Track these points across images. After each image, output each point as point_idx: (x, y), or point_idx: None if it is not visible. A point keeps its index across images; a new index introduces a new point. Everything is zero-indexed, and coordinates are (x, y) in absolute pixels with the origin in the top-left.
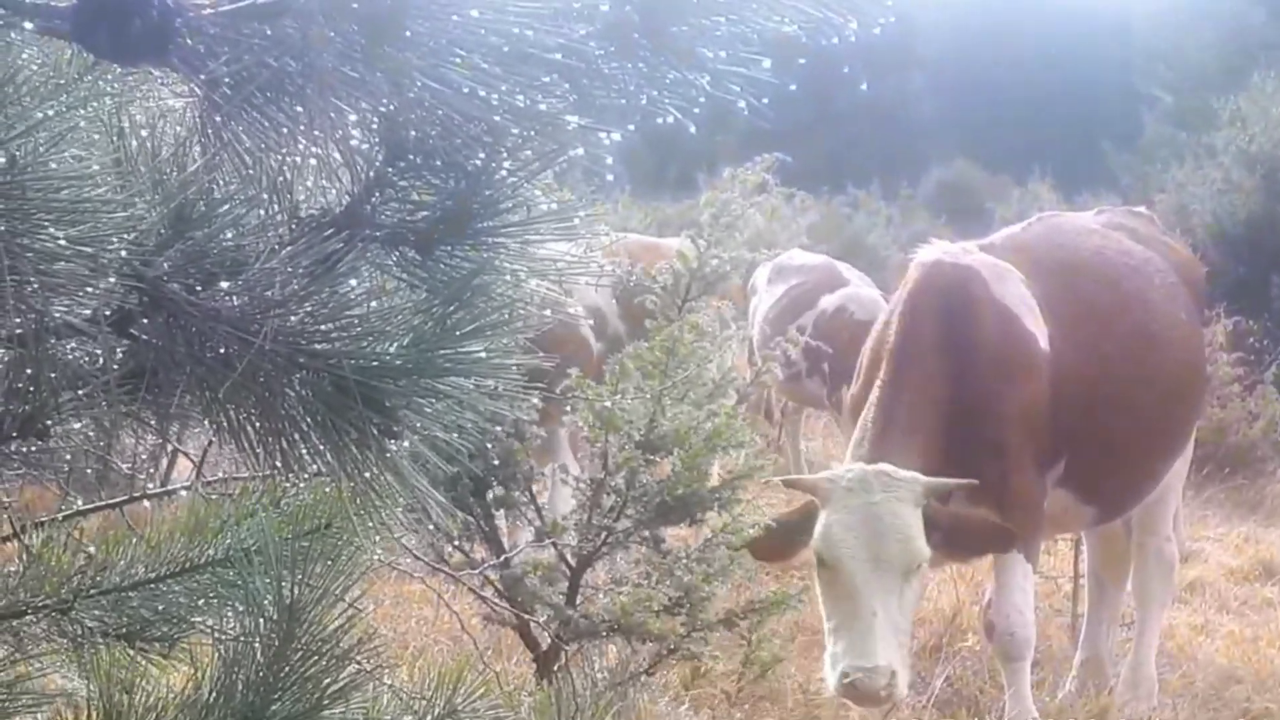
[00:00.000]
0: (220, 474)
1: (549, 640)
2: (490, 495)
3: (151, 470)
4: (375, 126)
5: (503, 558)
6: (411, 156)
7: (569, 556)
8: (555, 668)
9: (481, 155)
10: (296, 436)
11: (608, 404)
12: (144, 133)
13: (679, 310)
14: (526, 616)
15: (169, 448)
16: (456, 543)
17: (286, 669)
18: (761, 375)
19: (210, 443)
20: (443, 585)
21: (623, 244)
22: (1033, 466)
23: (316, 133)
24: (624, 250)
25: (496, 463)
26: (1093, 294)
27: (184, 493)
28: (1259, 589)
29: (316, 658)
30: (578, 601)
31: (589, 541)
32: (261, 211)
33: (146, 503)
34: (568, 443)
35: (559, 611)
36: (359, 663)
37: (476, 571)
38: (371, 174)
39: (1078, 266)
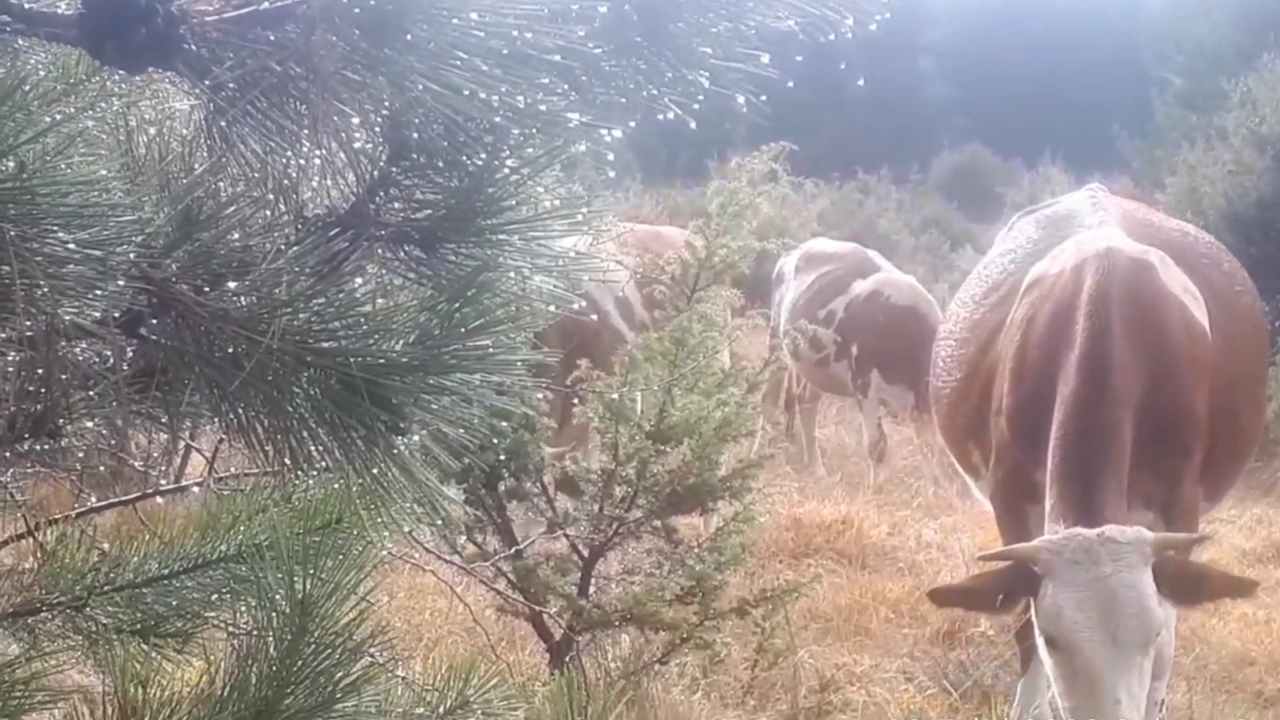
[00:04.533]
0: (232, 470)
1: (562, 631)
2: (502, 487)
3: (164, 467)
4: (379, 127)
5: (514, 549)
6: (415, 156)
7: (581, 547)
8: (568, 658)
9: (483, 155)
10: (305, 434)
11: (614, 397)
12: (151, 130)
13: (688, 300)
14: (539, 608)
15: (182, 444)
16: (469, 535)
17: (299, 663)
18: (771, 364)
19: (221, 439)
20: (456, 577)
21: (630, 235)
22: (1198, 470)
23: (321, 135)
24: (633, 241)
25: (503, 457)
26: (1206, 276)
27: (196, 489)
28: (1272, 571)
29: (329, 651)
30: (590, 592)
31: (601, 532)
32: (268, 212)
33: (159, 499)
34: None
35: (572, 602)
36: (372, 655)
37: (489, 563)
38: (375, 174)
39: (1181, 248)
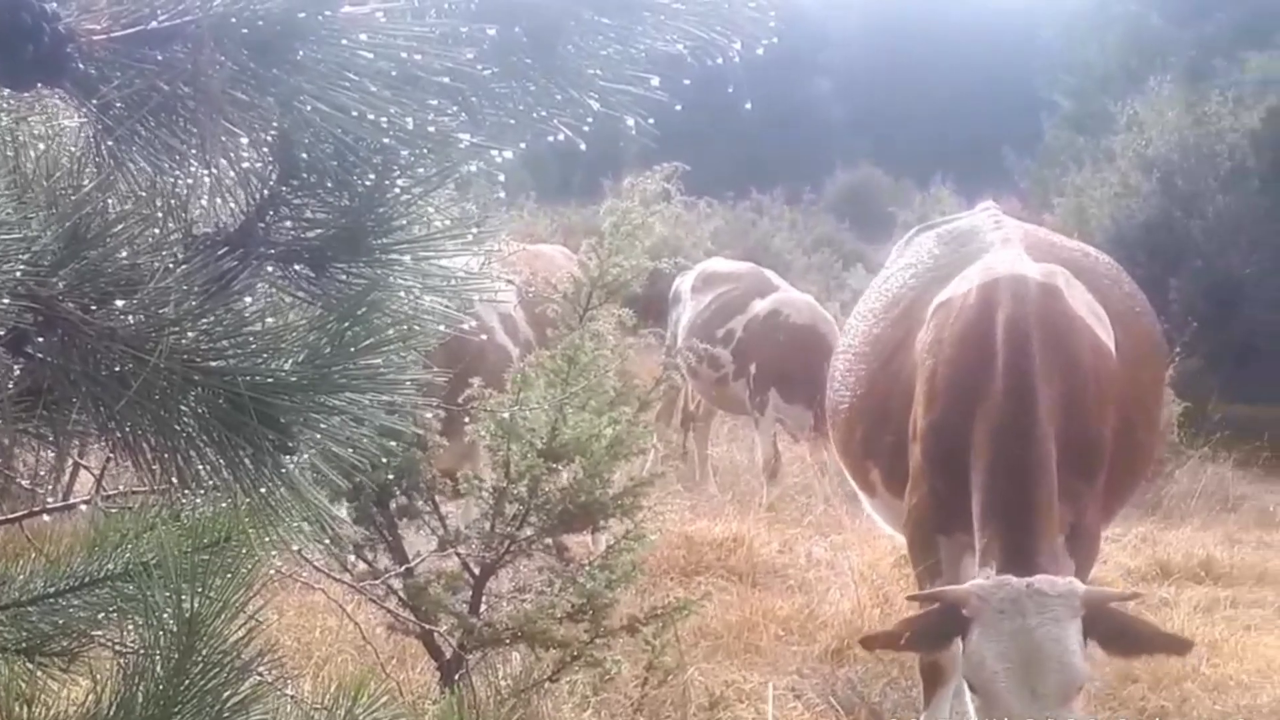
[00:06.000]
0: (121, 488)
1: (452, 649)
2: (393, 505)
3: (52, 485)
4: (267, 147)
5: (404, 566)
6: (305, 175)
7: (472, 565)
8: (458, 676)
9: (372, 175)
10: (192, 453)
11: (505, 415)
12: (40, 146)
13: (580, 319)
14: (430, 626)
15: (70, 462)
16: (360, 552)
17: (187, 682)
18: (663, 382)
19: (109, 458)
20: (346, 595)
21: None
22: (1101, 493)
23: (209, 154)
24: (520, 260)
25: (390, 477)
26: (1107, 297)
27: (84, 507)
28: (1156, 589)
29: (217, 670)
30: (481, 610)
31: (492, 550)
32: (156, 230)
33: (46, 517)
34: None
35: (462, 620)
36: (260, 674)
37: (380, 581)
38: (265, 193)
39: (1083, 268)
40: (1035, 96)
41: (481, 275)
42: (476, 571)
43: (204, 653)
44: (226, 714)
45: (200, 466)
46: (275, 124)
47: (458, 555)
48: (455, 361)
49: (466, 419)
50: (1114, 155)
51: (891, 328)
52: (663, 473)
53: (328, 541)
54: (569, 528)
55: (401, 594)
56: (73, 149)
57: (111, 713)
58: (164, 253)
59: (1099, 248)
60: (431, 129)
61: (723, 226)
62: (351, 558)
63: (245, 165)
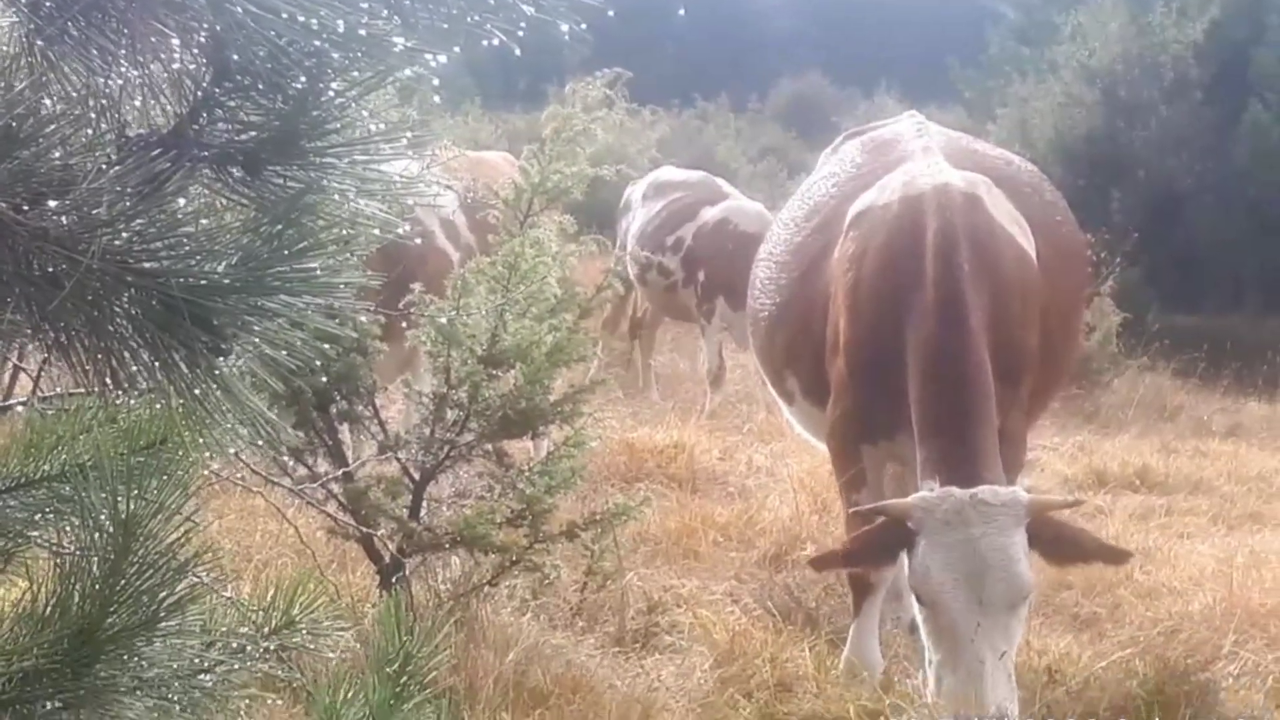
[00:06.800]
0: (59, 390)
1: (391, 553)
2: (334, 409)
3: None
4: (201, 47)
5: (343, 470)
6: (238, 77)
7: (412, 470)
8: (396, 580)
9: (304, 78)
10: (126, 354)
11: (443, 320)
12: None
13: (521, 225)
14: (369, 530)
15: (9, 364)
16: (300, 457)
17: (123, 582)
18: (604, 289)
19: (45, 359)
20: (287, 500)
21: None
22: (1026, 400)
23: (140, 55)
24: (463, 166)
25: (325, 380)
26: (1028, 205)
27: (21, 409)
28: (1091, 497)
29: (153, 571)
30: (421, 514)
31: (432, 455)
32: (89, 131)
33: None
34: None
35: (402, 524)
36: (198, 576)
37: (318, 484)
38: (199, 94)
39: (1004, 176)
40: (981, 7)
41: (420, 180)
42: (416, 476)
43: (140, 553)
44: (163, 614)
45: (135, 368)
46: (207, 25)
47: (398, 460)
48: (393, 266)
49: (405, 324)
50: (1057, 66)
51: (812, 236)
52: (604, 380)
53: (262, 443)
54: (509, 433)
55: (341, 498)
56: (5, 48)
57: (48, 612)
58: (97, 153)
59: (1042, 158)
60: (363, 31)
61: (668, 134)
62: (291, 462)
63: (177, 66)
